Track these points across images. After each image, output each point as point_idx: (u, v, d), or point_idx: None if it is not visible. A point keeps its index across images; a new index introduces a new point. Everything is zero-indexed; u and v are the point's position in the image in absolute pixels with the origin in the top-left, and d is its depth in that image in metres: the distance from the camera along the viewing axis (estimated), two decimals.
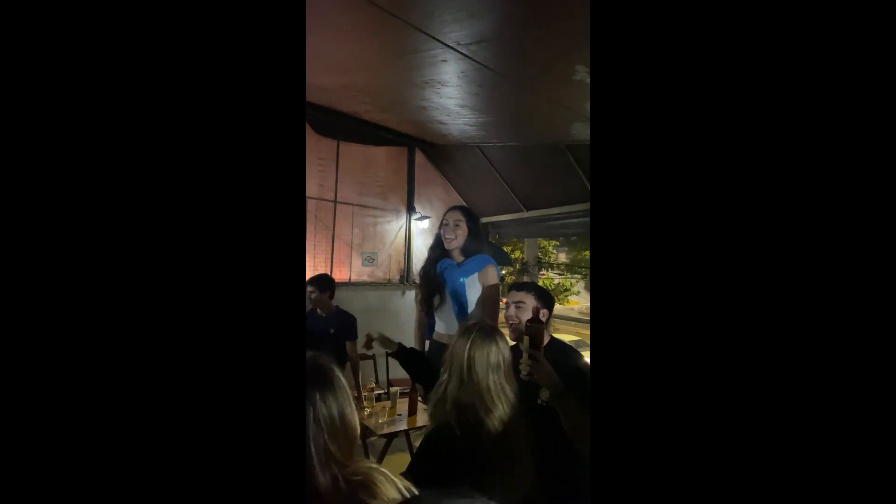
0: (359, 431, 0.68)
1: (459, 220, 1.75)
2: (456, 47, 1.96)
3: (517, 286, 1.37)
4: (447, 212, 1.80)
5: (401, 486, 0.64)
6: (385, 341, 1.47)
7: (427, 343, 1.89)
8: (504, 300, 1.41)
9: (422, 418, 2.25)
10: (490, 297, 1.69)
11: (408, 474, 0.92)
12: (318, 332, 2.50)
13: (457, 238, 1.74)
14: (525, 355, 1.09)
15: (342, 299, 2.77)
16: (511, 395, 1.01)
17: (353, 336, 2.62)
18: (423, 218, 4.36)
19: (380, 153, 4.17)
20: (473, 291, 1.71)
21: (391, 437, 2.20)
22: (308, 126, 3.59)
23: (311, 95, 3.15)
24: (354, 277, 3.99)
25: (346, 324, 2.61)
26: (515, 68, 2.20)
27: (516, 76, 2.28)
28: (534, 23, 1.73)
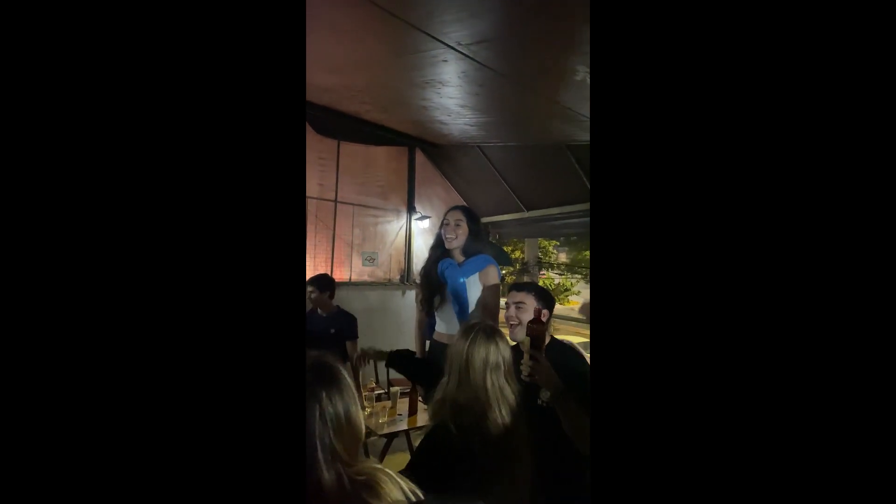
0: (364, 430, 0.68)
1: (460, 220, 1.75)
2: (456, 47, 1.96)
3: (518, 286, 1.37)
4: (448, 212, 1.80)
5: (405, 488, 0.64)
6: (377, 354, 1.49)
7: (427, 343, 1.89)
8: (504, 300, 1.41)
9: (422, 418, 2.25)
10: (491, 298, 1.69)
11: (407, 473, 0.92)
12: (319, 331, 2.50)
13: (458, 238, 1.74)
14: (526, 356, 1.09)
15: (343, 299, 2.77)
16: (510, 397, 1.01)
17: (354, 336, 2.62)
18: (423, 218, 4.36)
19: (380, 153, 4.17)
20: (474, 291, 1.70)
21: (391, 436, 2.20)
22: (309, 126, 3.59)
23: (312, 95, 3.15)
24: (355, 277, 3.99)
25: (346, 324, 2.60)
26: (516, 68, 2.20)
27: (517, 76, 2.28)
28: (534, 23, 1.73)
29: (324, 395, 0.63)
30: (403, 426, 2.20)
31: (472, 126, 3.26)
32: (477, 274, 1.71)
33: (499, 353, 1.02)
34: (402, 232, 4.37)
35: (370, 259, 4.11)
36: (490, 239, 4.54)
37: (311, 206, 3.70)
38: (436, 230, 2.10)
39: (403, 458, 2.39)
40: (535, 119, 2.98)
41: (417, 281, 2.02)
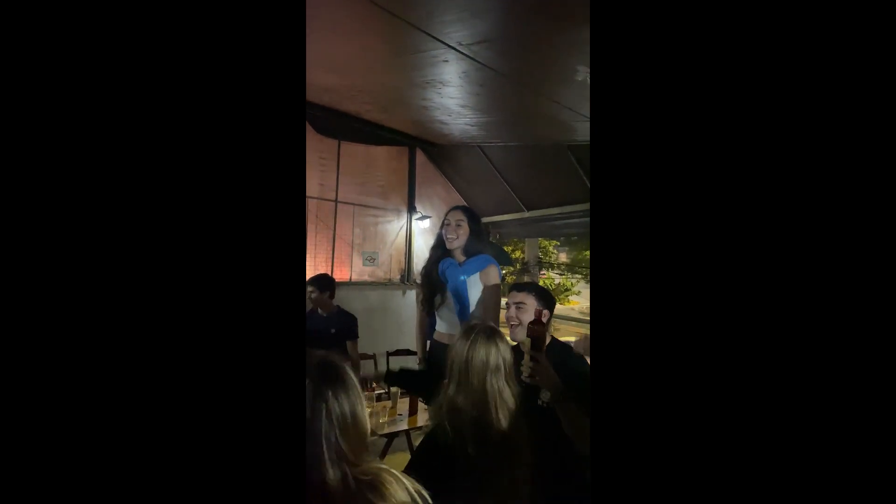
0: (369, 430, 0.68)
1: (461, 220, 1.75)
2: (457, 47, 1.96)
3: (518, 287, 1.37)
4: (449, 211, 1.80)
5: (410, 489, 0.64)
6: (376, 376, 1.51)
7: (428, 343, 1.89)
8: (505, 300, 1.41)
9: (422, 418, 2.25)
10: (491, 298, 1.69)
11: (407, 473, 0.92)
12: (319, 331, 2.50)
13: (459, 238, 1.74)
14: (526, 357, 1.09)
15: (343, 299, 2.78)
16: (510, 399, 1.01)
17: (354, 336, 2.62)
18: (423, 218, 4.36)
19: (381, 153, 4.17)
20: (475, 291, 1.71)
21: (392, 436, 2.21)
22: (309, 126, 3.59)
23: (313, 95, 3.15)
24: (355, 277, 3.99)
25: (346, 323, 2.61)
26: (517, 68, 2.20)
27: (518, 76, 2.28)
28: (535, 23, 1.73)
29: (330, 394, 0.63)
30: (404, 426, 2.21)
31: (472, 126, 3.26)
32: (478, 274, 1.71)
33: (499, 355, 1.02)
34: (403, 232, 4.37)
35: (370, 259, 4.12)
36: (490, 239, 4.54)
37: (311, 206, 3.70)
38: (436, 230, 2.10)
39: (403, 458, 2.39)
40: (536, 119, 2.98)
41: (418, 281, 2.03)
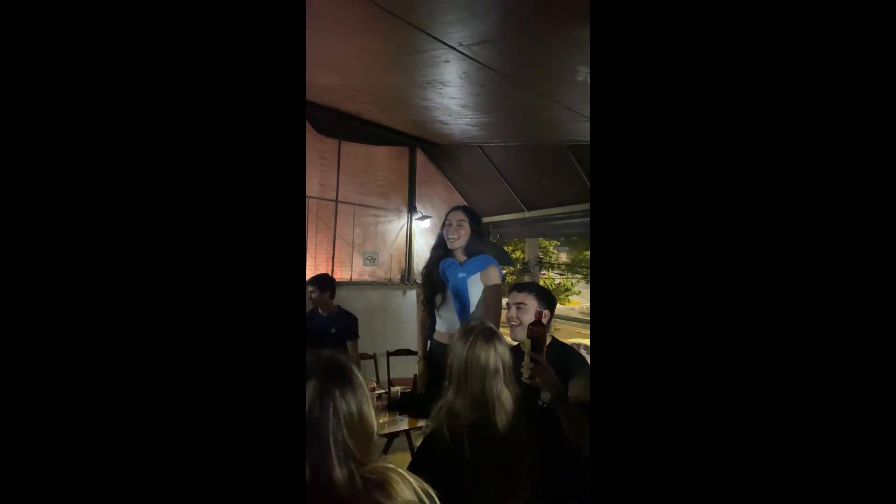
0: (375, 429, 0.68)
1: (462, 220, 1.75)
2: (458, 48, 1.96)
3: (518, 287, 1.37)
4: (450, 211, 1.81)
5: (417, 488, 0.64)
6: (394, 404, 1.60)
7: (428, 343, 1.89)
8: (506, 300, 1.42)
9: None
10: (492, 298, 1.69)
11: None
12: (320, 331, 2.50)
13: (460, 238, 1.74)
14: (527, 358, 1.09)
15: (343, 299, 2.78)
16: (508, 402, 1.00)
17: (355, 336, 2.62)
18: (424, 218, 4.36)
19: (381, 153, 4.17)
20: (475, 290, 1.71)
21: (392, 436, 2.20)
22: (310, 125, 3.59)
23: (313, 95, 3.15)
24: (356, 277, 3.99)
25: (347, 323, 2.61)
26: (517, 69, 2.20)
27: (518, 76, 2.28)
28: (535, 23, 1.73)
29: (337, 393, 0.64)
30: (404, 426, 2.20)
31: (473, 126, 3.26)
32: (478, 273, 1.71)
33: (497, 358, 1.02)
34: (403, 232, 4.37)
35: (371, 259, 4.12)
36: (491, 239, 4.54)
37: (311, 206, 3.70)
38: (436, 230, 2.10)
39: (403, 458, 2.39)
40: (536, 119, 2.98)
41: (418, 281, 2.03)
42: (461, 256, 1.76)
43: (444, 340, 1.75)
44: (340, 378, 0.65)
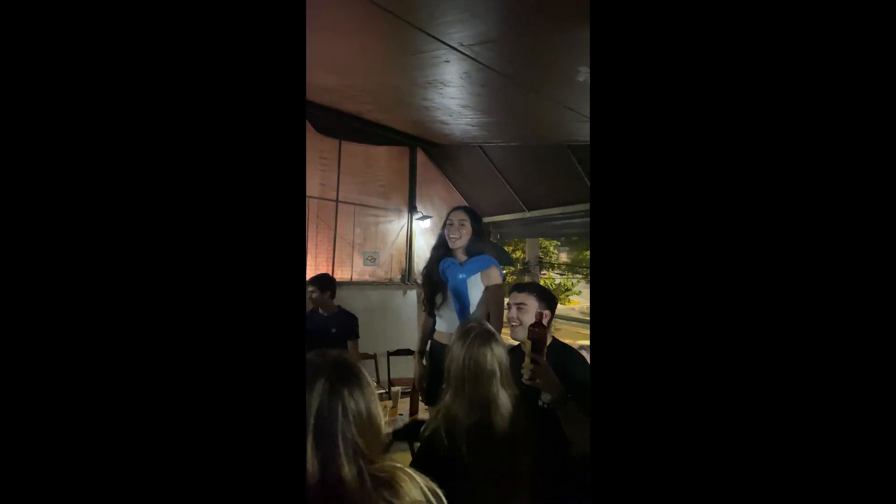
0: (383, 427, 0.69)
1: (464, 220, 1.75)
2: (459, 48, 1.96)
3: (519, 287, 1.37)
4: (451, 211, 1.81)
5: (424, 488, 0.64)
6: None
7: (428, 343, 1.89)
8: (507, 300, 1.42)
9: (423, 417, 2.25)
10: (495, 298, 1.69)
11: None
12: (320, 331, 2.51)
13: (461, 238, 1.74)
14: (527, 359, 1.09)
15: (344, 299, 2.78)
16: (506, 403, 1.00)
17: (355, 335, 2.62)
18: (424, 217, 4.36)
19: (382, 153, 4.18)
20: (475, 291, 1.71)
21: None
22: (310, 125, 3.60)
23: (314, 95, 3.16)
24: (356, 277, 4.00)
25: (347, 323, 2.61)
26: (518, 69, 2.20)
27: (519, 77, 2.28)
28: (535, 23, 1.73)
29: (346, 392, 0.64)
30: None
31: (473, 126, 3.27)
32: (479, 273, 1.71)
33: (494, 359, 1.02)
34: (404, 232, 4.37)
35: (371, 259, 4.12)
36: (491, 239, 4.54)
37: (312, 206, 3.70)
38: (437, 230, 2.11)
39: (404, 458, 2.40)
40: (537, 119, 2.98)
41: (419, 281, 2.04)
42: (462, 256, 1.76)
43: (444, 340, 1.75)
44: (349, 377, 0.66)
